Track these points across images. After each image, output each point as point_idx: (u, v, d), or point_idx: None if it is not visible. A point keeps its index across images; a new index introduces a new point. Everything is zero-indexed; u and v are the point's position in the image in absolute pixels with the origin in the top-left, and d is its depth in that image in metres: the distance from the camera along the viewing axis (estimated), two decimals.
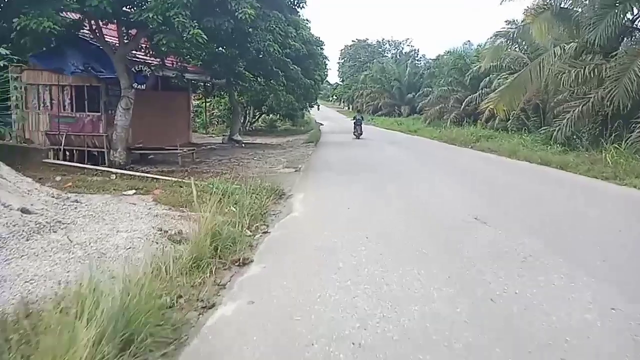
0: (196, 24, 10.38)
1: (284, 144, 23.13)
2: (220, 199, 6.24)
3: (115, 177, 9.63)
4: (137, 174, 9.55)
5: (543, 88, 22.43)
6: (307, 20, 22.04)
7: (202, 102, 32.53)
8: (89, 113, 15.63)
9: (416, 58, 57.78)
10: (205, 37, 10.44)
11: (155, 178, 9.40)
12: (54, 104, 16.34)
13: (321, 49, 21.97)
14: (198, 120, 33.77)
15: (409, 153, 17.40)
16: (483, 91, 30.39)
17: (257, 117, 33.70)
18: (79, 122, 15.43)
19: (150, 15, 10.12)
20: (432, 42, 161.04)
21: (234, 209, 6.15)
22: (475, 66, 32.22)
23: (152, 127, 17.92)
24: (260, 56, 14.07)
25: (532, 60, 26.50)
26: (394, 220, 6.69)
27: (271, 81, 22.21)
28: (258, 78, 21.91)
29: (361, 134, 25.91)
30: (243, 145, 20.81)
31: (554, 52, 19.19)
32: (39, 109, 16.22)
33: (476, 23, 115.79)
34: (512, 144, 17.83)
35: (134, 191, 7.82)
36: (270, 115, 35.64)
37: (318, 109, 48.92)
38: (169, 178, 9.46)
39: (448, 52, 40.61)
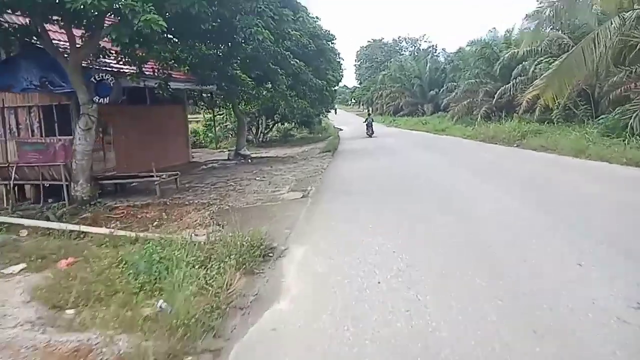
0: (152, 7, 7.36)
1: (298, 155, 20.01)
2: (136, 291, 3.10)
3: (27, 234, 6.57)
4: (56, 226, 6.49)
5: (593, 71, 18.76)
6: (316, 17, 18.97)
7: (212, 115, 29.83)
8: (60, 137, 12.90)
9: (435, 53, 53.99)
10: (164, 25, 7.38)
11: (85, 232, 6.30)
12: (21, 128, 13.73)
13: (332, 43, 18.83)
14: (210, 135, 31.04)
15: (446, 159, 14.01)
16: (517, 80, 26.83)
17: (270, 127, 30.70)
18: (49, 149, 12.66)
19: (88, 1, 7.15)
20: (450, 36, 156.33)
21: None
22: (505, 53, 28.59)
23: (140, 148, 15.07)
24: (249, 46, 10.95)
25: (575, 41, 23.01)
26: (477, 318, 3.36)
27: (278, 86, 19.22)
28: (264, 83, 18.94)
29: (373, 133, 29.99)
30: (250, 160, 17.78)
31: (612, 24, 15.64)
32: (4, 137, 13.62)
33: (494, 13, 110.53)
34: (573, 140, 14.19)
35: (23, 265, 4.79)
36: (285, 124, 32.64)
37: (335, 113, 45.77)
38: (101, 231, 6.33)
39: (472, 42, 36.85)
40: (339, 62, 29.05)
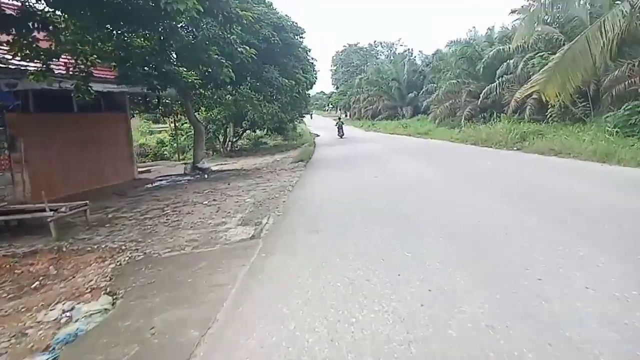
0: None
1: (267, 167, 17.11)
2: None
3: None
4: None
5: (593, 65, 16.53)
6: (286, 16, 16.10)
7: (174, 123, 26.71)
8: None
9: (412, 57, 51.78)
10: None
11: None
12: None
13: (300, 37, 16.06)
14: (175, 145, 27.86)
15: (439, 169, 11.28)
16: (503, 79, 24.59)
17: (239, 135, 27.71)
18: None
19: None
20: (425, 40, 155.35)
21: None
22: (490, 51, 26.35)
23: (66, 167, 11.99)
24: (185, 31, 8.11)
25: (566, 36, 20.80)
26: None
27: (240, 87, 16.36)
28: (219, 85, 16.07)
29: (343, 134, 33.10)
30: (206, 176, 14.78)
31: (622, 10, 13.57)
32: None
33: (470, 15, 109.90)
34: (590, 142, 11.69)
35: None
36: (257, 131, 29.71)
37: (311, 117, 43.10)
38: None
39: (451, 42, 34.57)
40: (312, 62, 26.34)
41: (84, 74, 9.87)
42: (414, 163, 13.00)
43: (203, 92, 17.49)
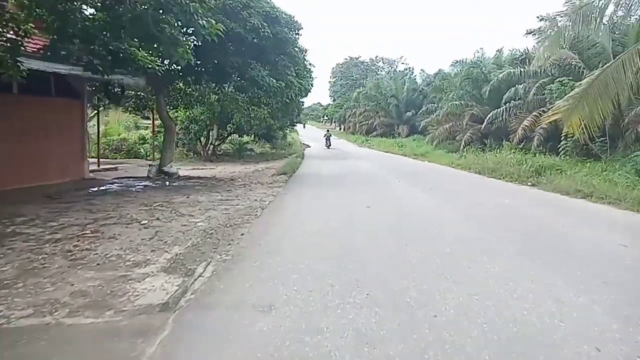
0: None
1: (243, 177, 14.86)
2: None
3: None
4: None
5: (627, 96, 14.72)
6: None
7: (152, 118, 24.35)
8: None
9: (412, 75, 50.08)
10: None
11: None
12: None
13: (296, 34, 13.91)
14: (157, 143, 25.35)
15: (449, 204, 8.97)
16: (511, 104, 22.70)
17: (223, 139, 25.40)
18: None
19: None
20: (427, 60, 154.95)
21: None
22: (499, 73, 24.45)
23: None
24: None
25: (586, 62, 19.01)
26: None
27: (224, 86, 14.18)
28: (201, 81, 13.93)
29: (330, 145, 36.12)
30: (167, 183, 12.43)
31: None
32: None
33: (472, 41, 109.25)
34: (632, 188, 9.59)
35: None
36: (244, 137, 27.45)
37: (304, 127, 41.11)
38: None
39: (456, 62, 32.84)
40: (308, 68, 24.25)
41: (9, 45, 7.57)
42: (414, 191, 10.81)
43: (183, 87, 15.29)
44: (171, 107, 17.28)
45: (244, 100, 15.98)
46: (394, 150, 30.00)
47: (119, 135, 28.85)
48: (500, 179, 13.54)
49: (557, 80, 17.03)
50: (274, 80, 12.26)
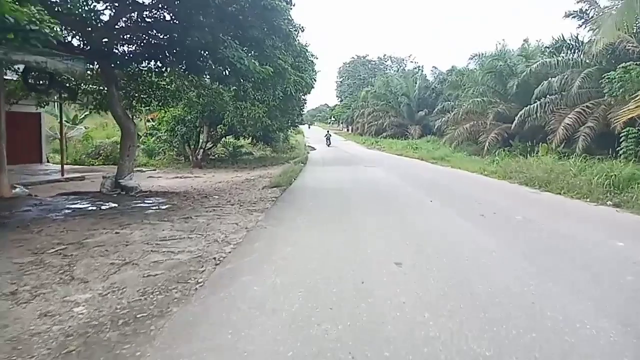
0: None
1: (224, 192, 11.40)
2: None
3: None
4: None
5: None
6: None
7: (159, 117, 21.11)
8: None
9: (423, 72, 46.36)
10: None
11: None
12: None
13: (288, 3, 10.40)
14: (157, 146, 22.03)
15: (535, 255, 5.29)
16: (547, 100, 19.14)
17: (216, 141, 22.01)
18: None
19: None
20: (436, 59, 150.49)
21: None
22: (531, 64, 20.80)
23: None
24: None
25: None
26: None
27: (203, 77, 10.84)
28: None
29: (330, 144, 39.08)
30: (102, 207, 8.93)
31: None
32: None
33: (486, 35, 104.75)
34: None
35: None
36: (241, 139, 24.04)
37: (309, 127, 37.84)
38: None
39: (475, 55, 29.14)
40: (310, 60, 20.79)
41: None
42: (458, 220, 7.14)
43: (145, 76, 11.91)
44: (142, 105, 13.93)
45: (230, 95, 12.58)
46: (408, 154, 26.41)
47: (109, 138, 25.68)
48: (560, 193, 9.95)
49: (621, 66, 13.39)
50: (256, 63, 8.76)
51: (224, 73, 10.06)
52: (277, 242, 5.71)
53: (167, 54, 9.82)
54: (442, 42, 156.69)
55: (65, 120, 29.34)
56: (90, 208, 8.41)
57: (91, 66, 9.50)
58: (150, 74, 11.79)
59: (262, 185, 12.76)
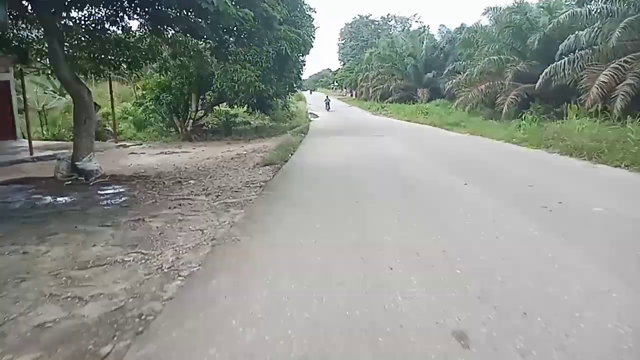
0: None
1: (206, 174, 9.33)
2: None
3: None
4: None
5: None
6: None
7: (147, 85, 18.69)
8: None
9: (430, 32, 42.94)
10: None
11: None
12: None
13: None
14: (151, 117, 19.69)
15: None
16: (576, 55, 16.64)
17: (207, 110, 19.70)
18: None
19: None
20: (443, 18, 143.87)
21: None
22: (559, 15, 18.14)
23: None
24: None
25: None
26: None
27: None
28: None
29: (330, 108, 39.96)
30: (46, 201, 6.86)
31: None
32: None
33: None
34: None
35: None
36: (236, 107, 21.68)
37: (311, 93, 35.35)
38: None
39: (490, 9, 26.02)
40: (308, 14, 18.23)
41: None
42: (518, 221, 4.65)
43: (103, 30, 9.56)
44: (111, 68, 11.65)
45: (210, 51, 10.28)
46: (418, 119, 24.02)
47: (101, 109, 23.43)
48: (620, 166, 7.79)
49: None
50: (228, 2, 6.41)
51: (192, 20, 7.77)
52: (249, 275, 3.61)
53: None
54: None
55: (52, 90, 27.23)
56: (18, 205, 6.35)
57: (16, 13, 7.22)
58: (106, 27, 9.46)
59: (253, 162, 10.65)
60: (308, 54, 19.29)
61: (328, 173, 8.68)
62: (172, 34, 10.35)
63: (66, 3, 7.39)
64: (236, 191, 6.94)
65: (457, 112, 23.80)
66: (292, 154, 11.46)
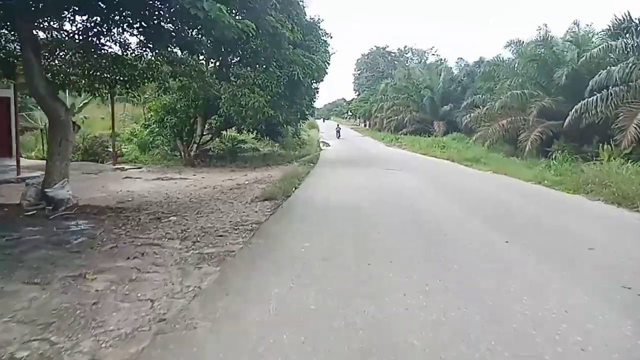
0: None
1: (194, 206, 8.03)
2: None
3: None
4: None
5: None
6: None
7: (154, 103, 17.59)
8: None
9: (447, 65, 41.94)
10: None
11: None
12: None
13: None
14: (157, 140, 18.64)
15: None
16: (609, 93, 15.34)
17: (213, 135, 18.64)
18: None
19: None
20: (461, 52, 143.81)
21: None
22: (591, 48, 16.99)
23: None
24: None
25: None
26: None
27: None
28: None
29: (340, 136, 40.35)
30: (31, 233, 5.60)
31: None
32: None
33: (518, 22, 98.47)
34: None
35: None
36: (244, 133, 20.62)
37: (324, 122, 34.41)
38: None
39: (512, 42, 24.87)
40: (323, 39, 17.28)
41: None
42: (610, 322, 3.34)
43: (121, 54, 8.54)
44: (106, 86, 10.64)
45: (210, 72, 9.17)
46: (434, 153, 22.63)
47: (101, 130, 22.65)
48: None
49: None
50: (224, 10, 5.20)
51: (189, 34, 6.62)
52: None
53: (104, 3, 6.37)
54: (467, 33, 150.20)
55: None
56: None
57: None
58: (101, 42, 8.44)
59: (252, 195, 9.35)
60: (322, 80, 18.30)
61: (336, 215, 7.27)
62: (171, 50, 9.32)
63: (40, 6, 6.30)
64: (220, 236, 5.58)
65: (476, 147, 22.43)
66: (296, 188, 10.12)
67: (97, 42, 8.69)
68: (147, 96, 20.19)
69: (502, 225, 6.47)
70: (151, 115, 18.37)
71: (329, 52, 16.92)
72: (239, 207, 7.91)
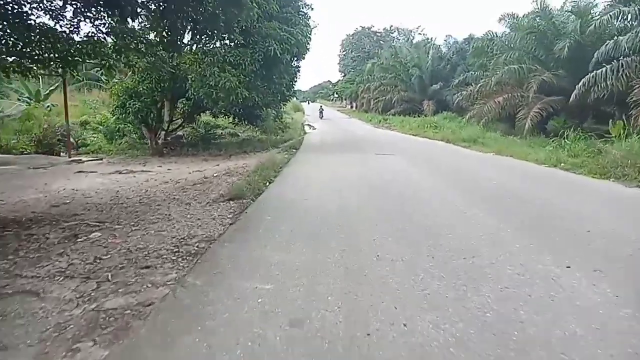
0: None
1: (139, 210, 6.23)
2: None
3: None
4: None
5: None
6: None
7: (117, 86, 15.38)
8: None
9: (435, 43, 39.89)
10: None
11: None
12: None
13: None
14: (123, 127, 16.57)
15: None
16: (620, 64, 13.81)
17: (184, 120, 16.65)
18: None
19: None
20: (448, 30, 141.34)
21: None
22: (598, 18, 15.32)
23: None
24: None
25: None
26: None
27: None
28: None
29: (323, 117, 40.02)
30: None
31: None
32: None
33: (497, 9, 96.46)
34: None
35: None
36: (221, 118, 18.65)
37: (309, 104, 32.57)
38: None
39: (506, 15, 22.95)
40: (303, 11, 15.29)
41: None
42: None
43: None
44: (38, 65, 8.61)
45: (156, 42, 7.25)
46: (426, 134, 20.91)
47: (79, 119, 20.32)
48: None
49: None
50: None
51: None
52: None
53: None
54: (455, 10, 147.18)
55: (27, 97, 24.18)
56: None
57: None
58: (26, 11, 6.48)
59: (218, 191, 7.58)
60: (304, 58, 16.35)
61: (316, 226, 5.39)
62: (108, 20, 7.38)
63: None
64: (146, 267, 3.80)
65: (470, 126, 20.81)
66: (270, 182, 8.32)
67: (18, 9, 6.77)
68: (116, 80, 18.08)
69: (528, 226, 4.80)
70: (111, 99, 16.32)
71: (309, 26, 14.93)
72: (194, 212, 6.13)
